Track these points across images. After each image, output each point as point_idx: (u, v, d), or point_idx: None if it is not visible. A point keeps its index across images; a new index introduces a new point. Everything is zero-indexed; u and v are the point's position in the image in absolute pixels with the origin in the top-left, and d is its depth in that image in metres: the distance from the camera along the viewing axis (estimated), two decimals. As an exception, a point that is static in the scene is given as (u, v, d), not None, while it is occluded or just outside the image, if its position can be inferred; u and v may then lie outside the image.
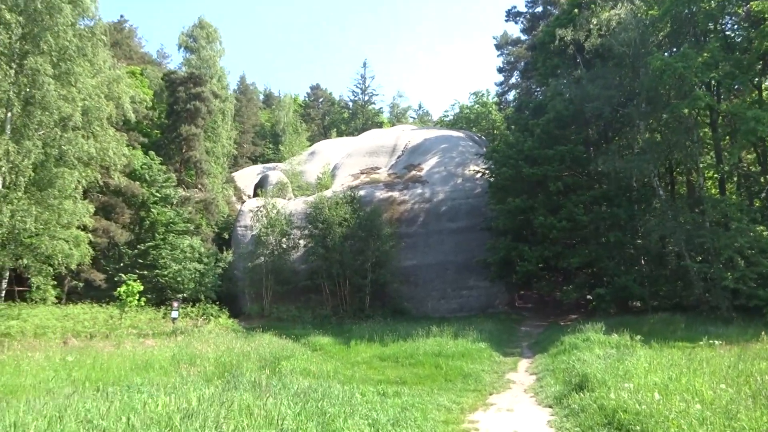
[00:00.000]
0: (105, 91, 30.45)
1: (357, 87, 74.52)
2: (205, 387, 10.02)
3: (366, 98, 74.18)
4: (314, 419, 7.94)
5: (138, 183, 35.82)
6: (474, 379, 16.40)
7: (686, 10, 28.68)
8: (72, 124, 26.31)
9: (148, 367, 15.34)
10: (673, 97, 28.97)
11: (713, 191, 34.23)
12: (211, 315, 32.42)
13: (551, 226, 29.24)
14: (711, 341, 18.80)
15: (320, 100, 79.62)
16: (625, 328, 20.91)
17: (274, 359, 16.79)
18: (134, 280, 28.97)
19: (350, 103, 76.07)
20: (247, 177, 53.29)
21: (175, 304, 28.08)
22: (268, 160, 60.82)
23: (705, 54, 26.22)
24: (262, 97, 76.63)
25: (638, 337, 19.38)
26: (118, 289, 27.60)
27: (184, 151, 41.12)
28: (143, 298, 28.92)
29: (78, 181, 27.08)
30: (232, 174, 52.43)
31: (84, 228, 31.92)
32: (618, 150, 30.88)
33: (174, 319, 27.97)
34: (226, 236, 43.21)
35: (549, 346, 21.61)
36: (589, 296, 32.70)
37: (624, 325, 22.00)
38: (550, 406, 12.87)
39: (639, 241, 29.47)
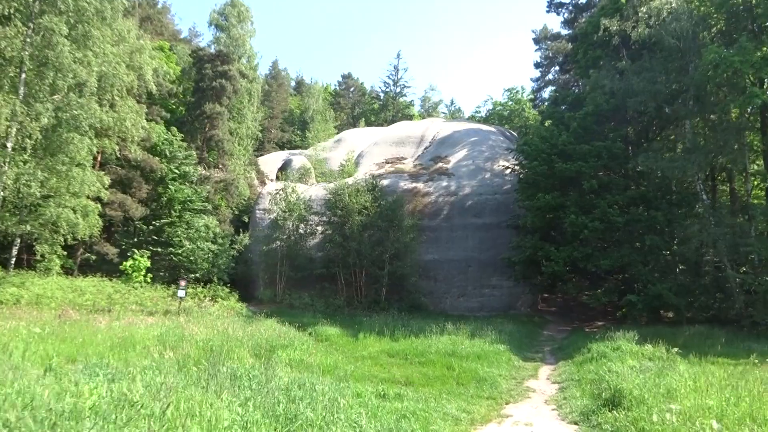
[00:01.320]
0: (126, 60, 29.19)
1: (389, 78, 72.73)
2: (161, 375, 8.31)
3: (398, 90, 72.19)
4: (277, 427, 6.15)
5: (157, 158, 34.53)
6: (489, 385, 14.47)
7: (742, 5, 26.21)
8: (88, 90, 25.03)
9: (129, 346, 13.78)
10: (725, 96, 26.54)
11: (758, 201, 31.64)
12: (220, 297, 30.90)
13: (582, 226, 27.03)
14: (756, 360, 16.61)
15: (351, 89, 77.85)
16: (659, 339, 18.74)
17: (270, 347, 15.08)
18: (143, 256, 27.52)
19: (381, 94, 74.10)
20: (272, 162, 51.80)
21: (182, 283, 26.62)
22: (295, 147, 59.28)
23: (764, 48, 23.78)
24: (293, 83, 75.15)
25: (675, 349, 17.20)
26: (124, 263, 26.23)
27: (207, 129, 39.74)
28: (150, 275, 27.56)
29: (90, 149, 25.74)
30: (257, 158, 51.07)
31: (98, 200, 30.86)
32: (661, 149, 28.43)
33: (180, 298, 26.53)
34: (246, 219, 41.82)
35: (574, 352, 19.53)
36: (617, 303, 30.46)
37: (657, 335, 19.72)
38: (576, 423, 10.93)
39: (676, 248, 27.05)
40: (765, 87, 25.60)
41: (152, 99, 38.70)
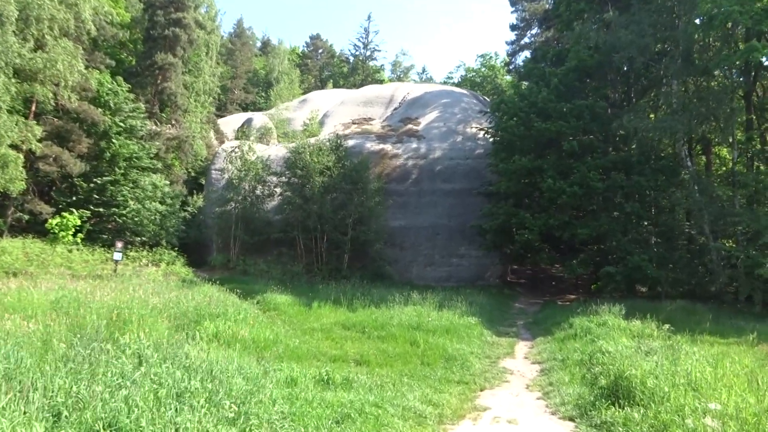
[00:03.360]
0: (57, -6, 25.45)
1: (359, 41, 68.77)
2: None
3: (368, 53, 68.39)
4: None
5: (100, 110, 30.83)
6: (460, 365, 11.95)
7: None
8: (6, 20, 21.38)
9: (17, 311, 10.78)
10: (716, 54, 24.23)
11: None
12: (165, 261, 27.80)
13: (560, 191, 24.61)
14: (755, 339, 14.52)
15: (320, 51, 73.72)
16: (640, 315, 16.53)
17: (197, 317, 12.23)
18: (71, 213, 24.18)
19: (351, 58, 70.29)
20: (233, 123, 48.07)
21: (119, 245, 23.48)
22: (259, 109, 55.59)
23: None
24: (259, 44, 70.76)
25: (666, 326, 14.95)
26: (50, 221, 22.91)
27: (159, 82, 36.02)
28: (80, 235, 24.24)
29: (8, 89, 22.16)
30: (218, 119, 47.43)
31: (31, 153, 27.36)
32: (645, 110, 26.00)
33: (116, 261, 23.43)
34: (203, 182, 38.55)
35: (553, 328, 17.15)
36: (591, 275, 28.37)
37: (637, 310, 17.51)
38: (572, 419, 8.46)
39: (663, 218, 24.87)
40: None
41: (97, 46, 34.87)
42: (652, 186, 24.44)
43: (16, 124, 26.34)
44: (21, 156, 23.04)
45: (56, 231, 22.51)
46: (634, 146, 26.32)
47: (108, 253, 26.52)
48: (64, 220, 22.71)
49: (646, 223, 25.90)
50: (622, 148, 27.15)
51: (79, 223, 23.63)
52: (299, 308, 17.80)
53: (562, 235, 25.47)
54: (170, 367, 6.85)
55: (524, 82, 33.03)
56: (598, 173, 25.04)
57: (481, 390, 10.41)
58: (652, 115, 26.48)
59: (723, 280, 22.84)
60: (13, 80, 23.04)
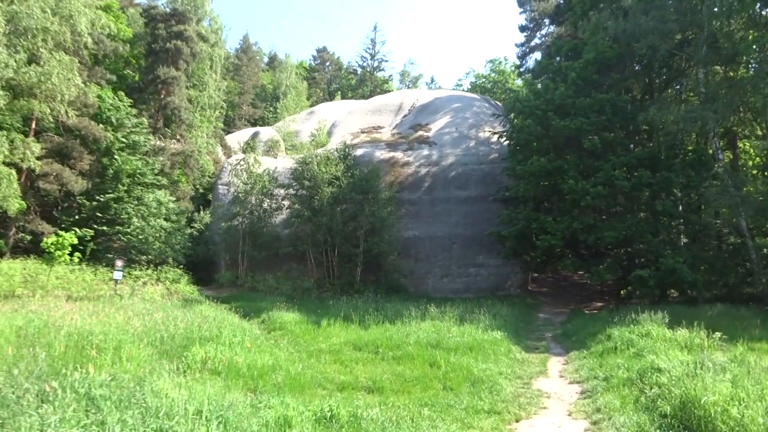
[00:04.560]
0: (51, 5, 24.30)
1: (366, 52, 67.39)
2: None
3: (375, 64, 67.12)
4: None
5: (102, 126, 29.63)
6: (488, 389, 10.23)
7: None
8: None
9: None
10: (742, 39, 22.49)
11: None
12: (169, 280, 26.33)
13: (583, 192, 22.81)
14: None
15: (327, 64, 72.58)
16: (681, 322, 14.69)
17: (187, 341, 10.63)
18: (68, 231, 22.84)
19: (358, 69, 68.97)
20: (242, 138, 46.53)
21: (119, 263, 22.07)
22: (268, 124, 54.42)
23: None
24: (266, 59, 69.80)
25: (717, 335, 13.08)
26: (45, 240, 21.54)
27: (162, 96, 34.86)
28: (78, 254, 22.87)
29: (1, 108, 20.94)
30: (226, 135, 46.22)
31: (31, 171, 26.25)
32: (671, 102, 24.16)
33: (116, 280, 21.99)
34: (211, 198, 37.25)
35: (587, 340, 15.35)
36: (619, 281, 26.40)
37: (675, 317, 15.67)
38: (636, 460, 6.68)
39: (695, 216, 22.99)
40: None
41: (98, 61, 33.83)
42: (682, 182, 22.58)
43: (11, 141, 25.23)
44: (13, 172, 21.72)
45: (52, 250, 21.10)
46: (660, 140, 24.45)
47: (111, 272, 25.16)
48: (60, 239, 21.31)
49: (676, 223, 24.00)
50: (646, 143, 25.33)
51: (75, 241, 22.20)
52: (307, 327, 16.13)
53: (587, 238, 23.62)
54: (123, 413, 5.24)
55: (538, 82, 31.31)
56: (623, 171, 23.26)
57: (517, 421, 8.68)
58: (680, 107, 24.62)
59: (766, 281, 20.88)
60: (3, 94, 21.79)
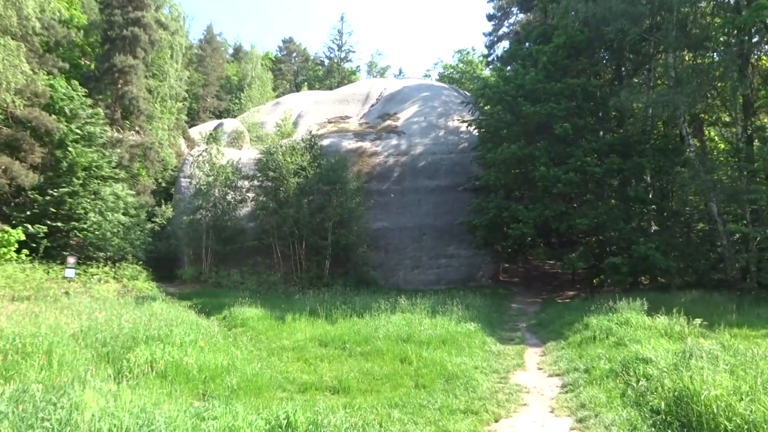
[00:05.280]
0: (-6, -13, 22.65)
1: (333, 43, 66.12)
2: None
3: (342, 55, 65.89)
4: None
5: (54, 117, 27.93)
6: (464, 385, 9.41)
7: None
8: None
9: None
10: (711, 20, 22.15)
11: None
12: (126, 277, 24.95)
13: (555, 179, 22.21)
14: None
15: (293, 55, 70.97)
16: (656, 309, 14.20)
17: (133, 342, 9.54)
18: (15, 227, 21.33)
19: (325, 60, 67.63)
20: (206, 131, 45.30)
21: (71, 260, 20.77)
22: (233, 116, 52.89)
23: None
24: (231, 51, 67.99)
25: (697, 321, 12.52)
26: (-13, 237, 20.03)
27: (119, 86, 33.17)
28: (25, 251, 21.38)
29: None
30: (191, 129, 44.57)
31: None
32: (641, 86, 23.69)
33: (68, 278, 20.60)
34: (173, 191, 35.71)
35: (563, 329, 14.68)
36: (590, 268, 25.96)
37: (651, 304, 15.15)
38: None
39: (667, 202, 22.60)
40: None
41: (50, 49, 32.01)
42: (653, 168, 22.17)
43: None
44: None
45: (-4, 248, 19.65)
46: (629, 126, 24.02)
47: (62, 269, 23.66)
48: (6, 236, 19.82)
49: (648, 209, 23.62)
50: (616, 129, 24.90)
51: (23, 237, 20.72)
52: (270, 322, 15.12)
53: (559, 226, 23.07)
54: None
55: (507, 69, 30.63)
56: (594, 158, 22.74)
57: (496, 420, 7.87)
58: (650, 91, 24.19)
59: (740, 265, 20.60)
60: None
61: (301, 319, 15.23)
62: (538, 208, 23.20)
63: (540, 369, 11.48)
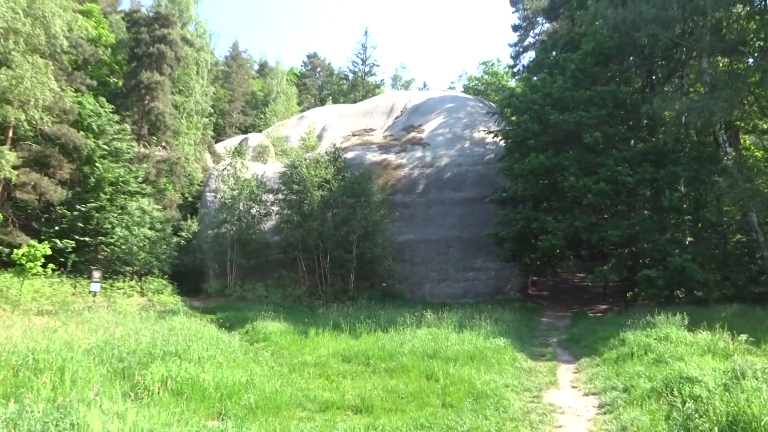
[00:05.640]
0: (23, 5, 23.00)
1: (357, 57, 66.37)
2: None
3: (366, 69, 65.99)
4: None
5: (82, 133, 28.26)
6: (494, 405, 8.84)
7: None
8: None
9: None
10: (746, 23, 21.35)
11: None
12: (152, 291, 24.89)
13: (585, 189, 21.50)
14: None
15: (318, 69, 71.38)
16: (696, 323, 13.41)
17: (150, 358, 9.22)
18: (42, 242, 21.39)
19: (350, 74, 67.86)
20: (232, 146, 45.55)
21: (96, 275, 20.69)
22: (258, 131, 53.18)
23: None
24: (256, 67, 68.62)
25: (742, 337, 11.74)
26: (16, 251, 20.08)
27: (146, 102, 33.51)
28: (51, 265, 21.41)
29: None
30: (217, 144, 44.81)
31: (8, 181, 25.03)
32: (675, 92, 22.88)
33: (94, 292, 20.55)
34: (199, 206, 35.80)
35: (597, 345, 13.97)
36: (624, 281, 25.04)
37: (690, 319, 14.30)
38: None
39: (703, 212, 21.72)
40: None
41: (78, 67, 32.50)
42: (689, 177, 21.32)
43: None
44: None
45: (23, 262, 19.65)
46: (662, 135, 23.23)
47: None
48: (32, 250, 19.86)
49: (683, 219, 22.72)
50: (648, 138, 24.09)
51: (49, 252, 20.72)
52: (293, 337, 14.73)
53: (590, 238, 22.28)
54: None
55: (534, 78, 30.06)
56: (625, 167, 21.97)
57: (530, 444, 7.31)
58: (684, 98, 23.37)
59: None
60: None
61: (325, 334, 14.80)
62: (568, 219, 22.48)
63: (574, 387, 10.84)
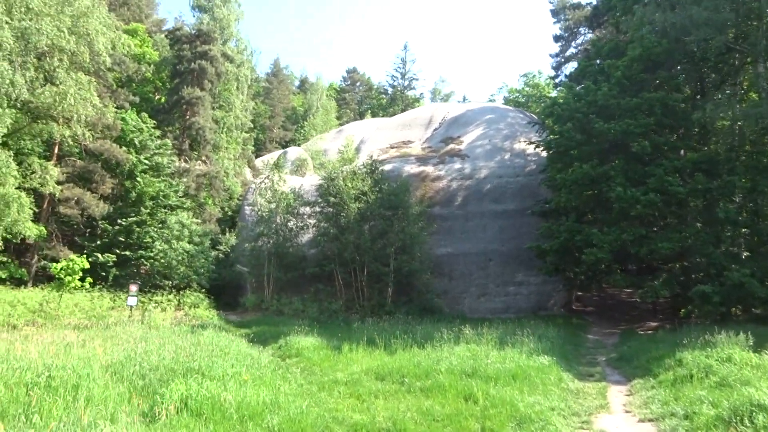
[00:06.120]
0: (67, 24, 23.38)
1: (397, 71, 66.00)
2: None
3: (406, 83, 65.61)
4: None
5: (124, 149, 28.64)
6: (539, 431, 8.00)
7: None
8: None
9: None
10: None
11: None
12: (188, 305, 24.75)
13: (633, 200, 20.35)
14: None
15: (357, 84, 71.50)
16: (762, 343, 12.23)
17: (171, 375, 8.73)
18: (80, 256, 21.46)
19: (389, 89, 67.60)
20: (272, 161, 45.77)
21: (133, 288, 20.56)
22: (298, 146, 53.37)
23: None
24: (297, 82, 69.23)
25: (815, 359, 10.57)
26: (54, 265, 20.16)
27: (187, 117, 33.84)
28: (90, 279, 21.48)
29: (8, 128, 19.86)
30: (257, 158, 45.08)
31: (53, 197, 25.51)
32: (730, 98, 21.52)
33: (131, 306, 20.45)
34: (238, 220, 35.82)
35: (651, 365, 12.89)
36: (675, 297, 23.62)
37: (753, 337, 13.05)
38: None
39: (762, 224, 20.29)
40: None
41: (123, 84, 33.15)
42: (747, 187, 19.94)
43: (29, 165, 24.37)
44: (23, 195, 20.48)
45: (62, 276, 19.71)
46: (715, 143, 21.90)
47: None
48: (71, 264, 19.91)
49: (740, 232, 21.29)
50: (700, 146, 22.77)
51: (87, 266, 20.75)
52: (326, 353, 14.13)
53: (639, 251, 21.02)
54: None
55: (577, 87, 29.01)
56: (676, 177, 20.73)
57: (581, 480, 6.48)
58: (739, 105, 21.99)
59: None
60: (17, 115, 20.81)
61: (358, 350, 14.14)
62: (615, 231, 21.31)
63: (628, 412, 9.88)
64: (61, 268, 19.71)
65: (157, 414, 7.18)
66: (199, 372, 8.93)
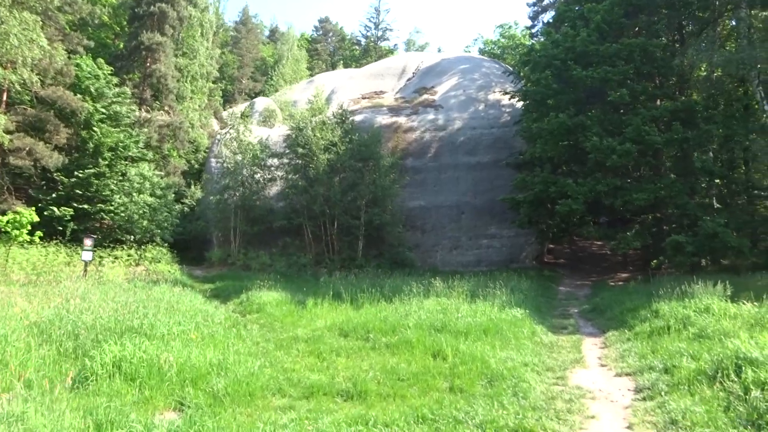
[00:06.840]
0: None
1: (370, 21, 63.62)
2: None
3: (379, 34, 63.40)
4: None
5: (80, 96, 26.78)
6: (511, 389, 7.36)
7: None
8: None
9: None
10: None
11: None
12: (148, 259, 23.65)
13: (609, 150, 19.66)
14: None
15: (329, 34, 68.90)
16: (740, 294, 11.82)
17: (107, 334, 7.80)
18: (28, 209, 20.09)
19: (362, 39, 65.26)
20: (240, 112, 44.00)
21: (87, 242, 19.25)
22: (267, 96, 51.41)
23: None
24: (267, 32, 66.42)
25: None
26: (1, 218, 18.80)
27: (147, 64, 31.86)
28: (39, 232, 20.17)
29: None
30: (226, 110, 43.19)
31: (1, 146, 23.76)
32: (713, 44, 20.66)
33: (85, 261, 19.27)
34: (204, 172, 34.39)
35: (626, 317, 12.38)
36: (643, 249, 23.35)
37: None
38: None
39: (737, 174, 19.85)
40: None
41: (78, 28, 30.95)
42: (723, 136, 19.36)
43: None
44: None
45: (9, 230, 18.40)
46: (695, 91, 21.19)
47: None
48: (18, 217, 18.58)
49: (715, 182, 20.85)
50: (678, 96, 22.04)
51: (36, 219, 19.43)
52: (289, 308, 13.33)
53: (614, 202, 20.50)
54: None
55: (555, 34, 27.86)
56: (653, 126, 20.05)
57: (558, 443, 5.82)
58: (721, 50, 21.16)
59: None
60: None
61: (324, 305, 13.39)
62: (589, 183, 20.68)
63: (604, 365, 9.32)
64: (8, 221, 18.37)
65: (85, 380, 6.30)
66: (139, 331, 8.02)
